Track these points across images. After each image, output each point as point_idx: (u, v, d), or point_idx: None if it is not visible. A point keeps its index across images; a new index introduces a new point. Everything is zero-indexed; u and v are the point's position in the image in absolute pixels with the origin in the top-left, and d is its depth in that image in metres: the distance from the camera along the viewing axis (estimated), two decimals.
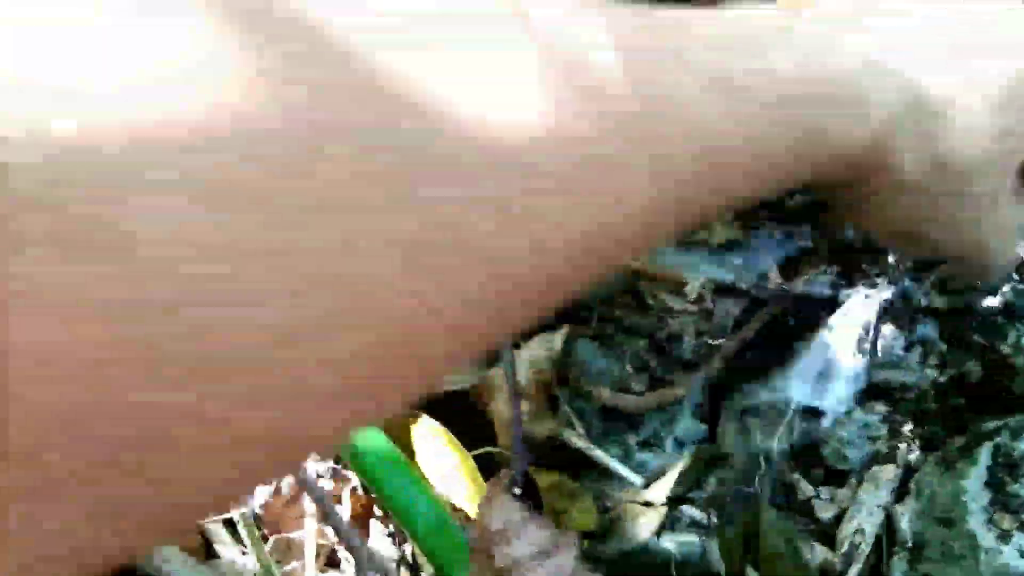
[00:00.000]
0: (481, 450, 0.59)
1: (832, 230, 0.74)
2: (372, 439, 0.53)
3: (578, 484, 0.62)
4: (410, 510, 0.52)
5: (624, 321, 0.68)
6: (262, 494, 0.56)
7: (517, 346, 0.63)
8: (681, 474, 0.59)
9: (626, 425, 0.67)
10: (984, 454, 0.63)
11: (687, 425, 0.67)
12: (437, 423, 0.57)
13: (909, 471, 0.66)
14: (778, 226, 0.75)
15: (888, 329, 0.69)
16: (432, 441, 0.57)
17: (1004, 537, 0.60)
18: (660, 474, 0.63)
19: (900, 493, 0.65)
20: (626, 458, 0.65)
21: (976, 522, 0.61)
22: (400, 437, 0.58)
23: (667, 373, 0.68)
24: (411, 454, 0.58)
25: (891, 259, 0.73)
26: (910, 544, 0.63)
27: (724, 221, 0.74)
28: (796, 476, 0.67)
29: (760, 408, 0.67)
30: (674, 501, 0.59)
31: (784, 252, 0.73)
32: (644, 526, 0.57)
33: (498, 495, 0.51)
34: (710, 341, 0.67)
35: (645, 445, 0.66)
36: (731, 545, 0.55)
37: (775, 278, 0.72)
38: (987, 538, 0.60)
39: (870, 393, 0.69)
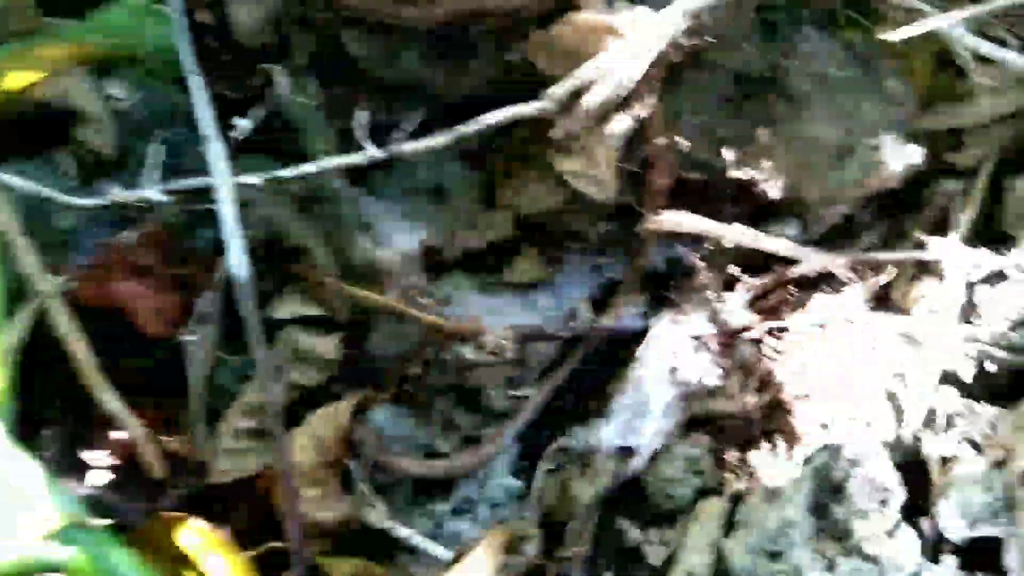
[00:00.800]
0: (263, 547, 0.52)
1: (640, 257, 0.70)
2: (115, 561, 0.46)
3: (383, 569, 0.56)
4: None
5: (424, 380, 0.62)
6: None
7: (297, 423, 0.57)
8: (486, 555, 0.54)
9: (437, 494, 0.61)
10: (807, 479, 0.60)
11: (502, 484, 0.62)
12: (203, 523, 0.50)
13: (738, 503, 0.63)
14: (586, 258, 0.71)
15: (703, 356, 0.66)
16: (202, 545, 0.50)
17: (830, 566, 0.58)
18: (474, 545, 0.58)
19: (730, 526, 0.62)
20: (438, 530, 0.60)
21: (802, 552, 0.58)
22: (164, 546, 0.51)
23: (477, 430, 0.63)
24: (184, 564, 0.51)
25: (700, 281, 0.70)
26: None
27: (528, 256, 0.69)
28: (622, 521, 0.64)
29: (576, 455, 0.62)
30: None
31: (593, 286, 0.70)
32: None
33: None
34: (516, 393, 0.63)
35: (458, 513, 0.61)
36: None
37: (585, 314, 0.68)
38: (813, 569, 0.58)
39: (693, 425, 0.66)
